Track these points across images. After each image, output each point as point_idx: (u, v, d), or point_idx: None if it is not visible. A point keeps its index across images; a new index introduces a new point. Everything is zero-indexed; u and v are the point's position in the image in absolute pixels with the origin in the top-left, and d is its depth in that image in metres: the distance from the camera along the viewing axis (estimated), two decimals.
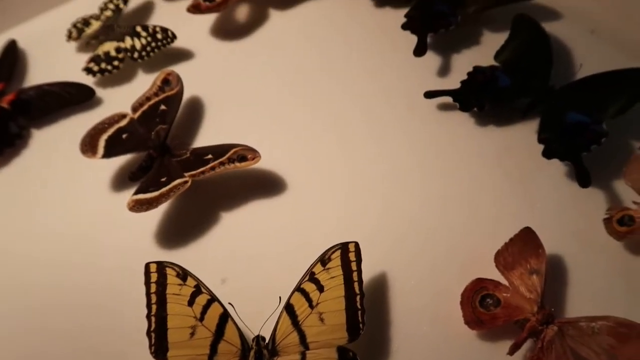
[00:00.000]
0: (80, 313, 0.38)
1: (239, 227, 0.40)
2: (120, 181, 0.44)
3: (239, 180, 0.42)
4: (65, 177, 0.45)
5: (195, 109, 0.47)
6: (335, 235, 0.36)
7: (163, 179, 0.39)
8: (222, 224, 0.40)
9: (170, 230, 0.41)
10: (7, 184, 0.45)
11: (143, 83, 0.49)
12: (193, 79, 0.47)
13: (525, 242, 0.35)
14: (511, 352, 0.32)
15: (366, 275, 0.34)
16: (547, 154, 0.38)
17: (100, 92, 0.49)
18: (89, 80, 0.49)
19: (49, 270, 0.40)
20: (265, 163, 0.40)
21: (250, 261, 0.39)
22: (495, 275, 0.35)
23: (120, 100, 0.48)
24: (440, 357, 0.34)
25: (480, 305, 0.34)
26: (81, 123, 0.47)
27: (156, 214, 0.41)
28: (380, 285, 0.36)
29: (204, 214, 0.41)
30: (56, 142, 0.47)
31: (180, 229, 0.41)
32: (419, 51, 0.45)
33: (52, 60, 0.52)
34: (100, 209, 0.43)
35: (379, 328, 0.35)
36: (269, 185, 0.42)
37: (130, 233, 0.41)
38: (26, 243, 0.42)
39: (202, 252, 0.40)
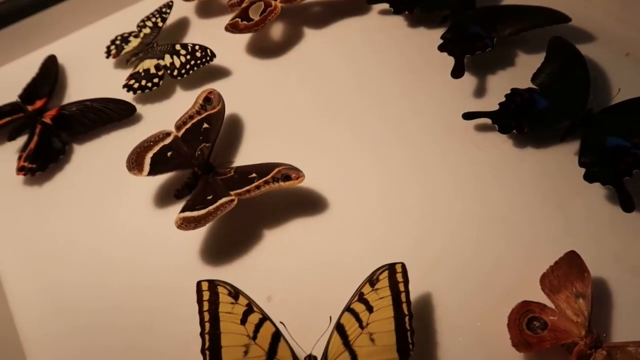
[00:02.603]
0: (128, 333, 0.39)
1: (282, 245, 0.41)
2: (161, 199, 0.45)
3: (281, 198, 0.43)
4: (107, 193, 0.46)
5: (234, 127, 0.48)
6: (377, 253, 0.37)
7: (209, 197, 0.40)
8: (265, 242, 0.41)
9: (213, 248, 0.41)
10: (50, 199, 0.46)
11: (182, 100, 0.50)
12: (231, 96, 0.48)
13: (570, 266, 0.35)
14: None
15: (411, 294, 0.35)
16: (589, 178, 0.38)
17: (139, 108, 0.50)
18: (128, 97, 0.50)
19: (92, 290, 0.41)
20: (307, 181, 0.41)
21: (294, 279, 0.39)
22: (541, 298, 0.35)
23: (159, 117, 0.49)
24: None
25: (528, 327, 0.34)
26: (122, 139, 0.48)
27: (199, 232, 0.42)
28: (425, 305, 0.37)
29: (247, 232, 0.42)
30: (98, 157, 0.48)
31: (224, 246, 0.41)
32: (457, 73, 0.46)
33: (92, 76, 0.54)
34: (141, 227, 0.44)
35: (426, 348, 0.35)
36: (310, 203, 0.42)
37: (173, 251, 0.42)
38: (68, 261, 0.43)
39: (247, 270, 0.40)
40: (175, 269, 0.41)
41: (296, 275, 0.39)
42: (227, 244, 0.41)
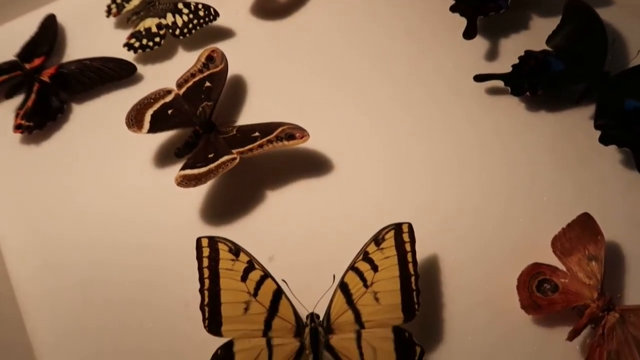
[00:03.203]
0: (126, 290, 0.38)
1: (285, 206, 0.40)
2: (162, 158, 0.43)
3: (284, 159, 0.42)
4: (107, 152, 0.44)
5: (238, 88, 0.47)
6: (382, 215, 0.36)
7: (210, 156, 0.39)
8: (268, 202, 0.40)
9: (214, 208, 0.40)
10: (47, 158, 0.45)
11: (184, 60, 0.48)
12: (234, 57, 0.46)
13: (583, 228, 0.34)
14: (570, 337, 0.31)
15: (417, 256, 0.34)
16: (605, 141, 0.37)
17: (140, 68, 0.48)
18: (129, 57, 0.48)
19: (90, 246, 0.40)
20: (310, 143, 0.40)
21: (296, 240, 0.38)
22: (552, 260, 0.34)
23: (160, 77, 0.48)
24: (495, 341, 0.33)
25: (538, 290, 0.33)
26: (122, 99, 0.47)
27: (200, 192, 0.41)
28: (431, 267, 0.36)
29: (249, 192, 0.41)
30: (97, 117, 0.47)
31: (225, 207, 0.40)
32: (469, 34, 0.44)
33: (92, 35, 0.52)
34: (141, 186, 0.42)
35: (432, 309, 0.34)
36: (314, 165, 0.41)
37: (174, 210, 0.41)
38: (65, 218, 0.42)
39: (248, 231, 0.39)
40: (175, 228, 0.39)
41: (299, 236, 0.38)
42: (228, 204, 0.40)
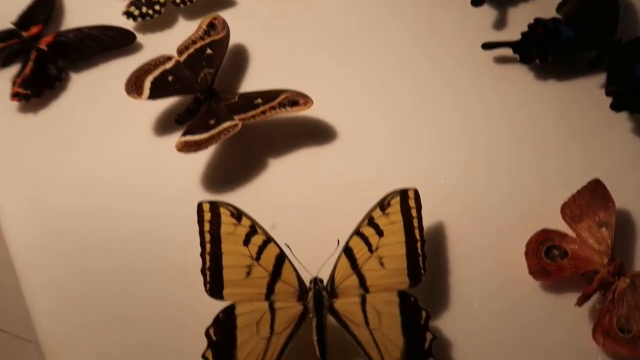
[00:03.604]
0: (125, 257, 0.37)
1: (288, 174, 0.39)
2: (162, 127, 0.42)
3: (287, 127, 0.41)
4: (106, 121, 0.43)
5: (239, 57, 0.46)
6: (387, 182, 0.35)
7: (212, 122, 0.38)
8: (270, 171, 0.39)
9: (215, 177, 0.40)
10: (45, 126, 0.44)
11: (184, 29, 0.47)
12: (235, 26, 0.45)
13: (593, 194, 0.33)
14: (580, 303, 0.31)
15: (423, 223, 0.33)
16: (616, 107, 0.36)
17: (140, 37, 0.47)
18: (129, 25, 0.47)
19: (89, 214, 0.39)
20: (314, 112, 0.39)
21: (300, 207, 0.37)
22: (561, 227, 0.33)
23: (160, 46, 0.46)
24: (502, 307, 0.33)
25: (546, 256, 0.32)
26: (121, 68, 0.45)
27: (201, 160, 0.40)
28: (438, 233, 0.35)
29: (251, 161, 0.40)
30: (96, 86, 0.46)
31: (227, 175, 0.40)
32: (477, 1, 0.43)
33: (90, 3, 0.50)
34: (141, 154, 0.41)
35: (439, 276, 0.34)
36: (318, 133, 0.40)
37: (174, 178, 0.40)
38: (64, 186, 0.41)
39: (250, 198, 0.38)
40: (176, 196, 0.39)
41: (302, 204, 0.38)
42: (229, 173, 0.40)
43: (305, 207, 0.37)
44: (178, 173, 0.40)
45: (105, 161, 0.41)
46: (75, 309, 0.36)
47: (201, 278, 0.32)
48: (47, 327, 0.35)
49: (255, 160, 0.40)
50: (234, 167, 0.40)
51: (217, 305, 0.32)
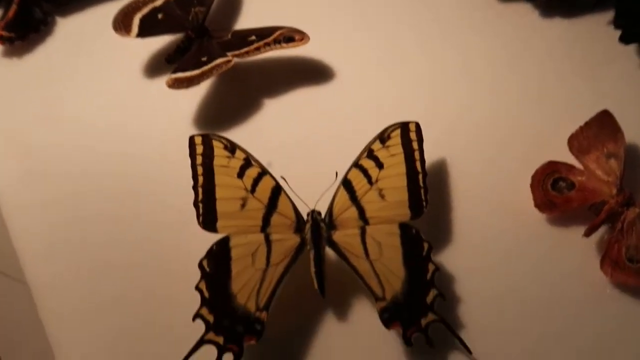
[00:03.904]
0: (116, 200, 0.36)
1: (284, 113, 0.37)
2: (152, 68, 0.40)
3: (282, 66, 0.39)
4: (93, 64, 0.41)
5: None
6: (387, 121, 0.33)
7: (204, 59, 0.36)
8: (265, 109, 0.38)
9: (208, 118, 0.38)
10: (32, 70, 0.42)
11: None
12: None
13: (601, 126, 0.32)
14: (587, 234, 0.30)
15: (426, 157, 0.31)
16: (626, 39, 0.35)
17: None
18: None
19: (79, 155, 0.38)
20: (309, 50, 0.37)
21: (297, 147, 0.36)
22: (568, 159, 0.32)
23: None
24: (506, 240, 0.31)
25: (553, 188, 0.31)
26: (108, 12, 0.43)
27: (193, 101, 0.39)
28: (440, 167, 0.34)
29: (245, 100, 0.38)
30: (82, 30, 0.43)
31: (220, 116, 0.38)
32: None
33: None
34: (132, 95, 0.40)
35: (441, 210, 0.32)
36: (315, 71, 0.39)
37: (165, 120, 0.38)
38: (52, 129, 0.39)
39: (244, 138, 0.35)
40: (168, 137, 0.37)
41: (299, 143, 0.36)
42: (223, 113, 0.38)
43: (303, 146, 0.36)
44: (169, 114, 0.38)
45: (94, 104, 0.40)
46: (64, 250, 0.35)
47: (195, 217, 0.31)
48: (34, 268, 0.34)
49: (249, 101, 0.38)
50: (227, 109, 0.38)
51: (211, 242, 0.31)
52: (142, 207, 0.36)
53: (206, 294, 0.28)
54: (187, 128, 0.38)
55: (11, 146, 0.38)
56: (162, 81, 0.38)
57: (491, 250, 0.32)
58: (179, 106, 0.38)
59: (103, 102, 0.39)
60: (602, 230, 0.30)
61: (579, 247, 0.31)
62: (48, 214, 0.36)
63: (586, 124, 0.32)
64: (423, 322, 0.28)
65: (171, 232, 0.34)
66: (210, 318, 0.28)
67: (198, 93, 0.39)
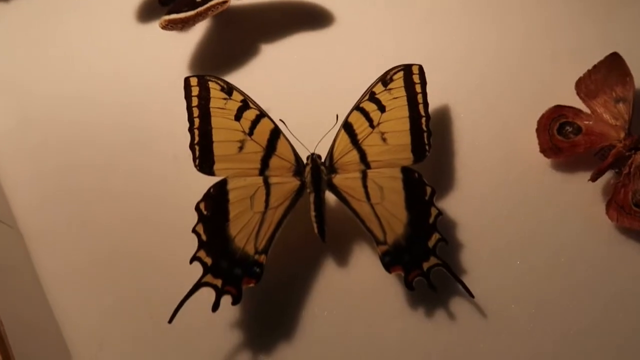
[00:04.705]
0: (110, 149, 0.35)
1: (283, 59, 0.36)
2: (146, 12, 0.39)
3: (279, 9, 0.37)
4: (86, 9, 0.39)
5: None
6: (389, 64, 0.32)
7: (198, 0, 0.35)
8: (263, 55, 0.36)
9: (204, 63, 0.36)
10: (23, 14, 0.39)
11: None
12: None
13: (610, 69, 0.31)
14: (593, 178, 0.29)
15: (429, 102, 0.30)
16: None
17: None
18: None
19: (72, 103, 0.36)
20: None
21: (296, 92, 0.35)
22: (574, 104, 0.31)
23: None
24: (510, 186, 0.31)
25: (559, 133, 0.30)
26: None
27: (188, 47, 0.37)
28: (443, 111, 0.33)
29: (242, 46, 0.37)
30: None
31: (216, 61, 0.37)
32: None
33: None
34: (125, 41, 0.38)
35: (443, 155, 0.32)
36: (313, 15, 0.37)
37: (160, 66, 0.37)
38: (44, 74, 0.37)
39: (241, 85, 0.34)
40: (162, 84, 0.36)
41: (298, 87, 0.35)
42: (219, 59, 0.36)
43: (302, 91, 0.35)
44: (165, 60, 0.37)
45: (86, 49, 0.38)
46: (57, 198, 0.34)
47: (191, 163, 0.30)
48: (27, 216, 0.33)
49: (246, 46, 0.37)
50: (223, 54, 0.37)
51: (208, 186, 0.30)
52: (135, 154, 0.34)
53: (203, 237, 0.28)
54: (182, 73, 0.36)
55: (2, 93, 0.37)
56: (155, 25, 0.36)
57: (495, 195, 0.31)
58: (173, 51, 0.37)
59: (96, 48, 0.38)
60: (607, 175, 0.30)
61: (583, 192, 0.30)
62: (40, 162, 0.34)
63: (594, 67, 0.31)
64: (425, 265, 0.28)
65: (166, 177, 0.33)
66: (208, 261, 0.27)
67: (193, 38, 0.38)
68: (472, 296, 0.28)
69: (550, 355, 0.28)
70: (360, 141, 0.29)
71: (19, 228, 0.32)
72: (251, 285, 0.28)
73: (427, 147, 0.29)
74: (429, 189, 0.28)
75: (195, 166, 0.29)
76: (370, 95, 0.30)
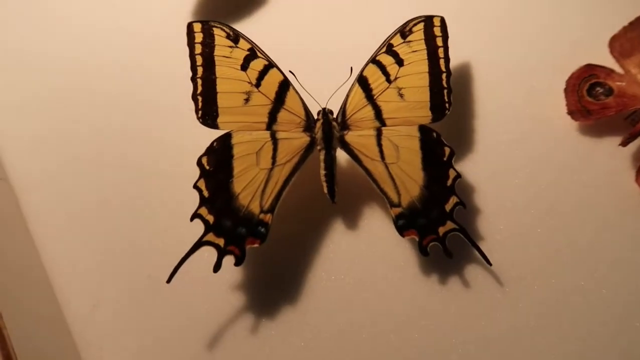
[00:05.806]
0: (106, 95, 0.33)
1: (292, 7, 0.34)
2: None
3: None
4: None
5: None
6: (409, 14, 0.29)
7: None
8: (272, 3, 0.34)
9: (208, 13, 0.34)
10: None
11: None
12: None
13: None
14: (624, 143, 0.27)
15: (450, 56, 0.28)
16: None
17: None
18: None
19: (65, 55, 0.34)
20: None
21: (306, 43, 0.32)
22: (607, 62, 0.29)
23: None
24: (534, 149, 0.29)
25: (588, 94, 0.29)
26: None
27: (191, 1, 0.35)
28: (466, 66, 0.31)
29: None
30: None
31: (222, 10, 0.34)
32: None
33: None
34: None
35: (464, 115, 0.30)
36: None
37: (161, 14, 0.34)
38: (39, 31, 0.35)
39: (247, 32, 0.33)
40: (162, 32, 0.33)
41: (310, 37, 0.33)
42: (223, 12, 0.34)
43: (314, 41, 0.33)
44: (164, 8, 0.34)
45: (87, 6, 0.36)
46: (48, 148, 0.32)
47: (194, 115, 0.27)
48: (17, 165, 0.31)
49: None
50: (227, 8, 0.35)
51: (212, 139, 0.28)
52: (135, 102, 0.32)
53: (205, 193, 0.26)
54: (184, 22, 0.34)
55: (6, 57, 0.34)
56: None
57: (517, 158, 0.29)
58: (177, 5, 0.34)
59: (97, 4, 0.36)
60: (639, 140, 0.28)
61: (612, 158, 0.28)
62: (31, 112, 0.32)
63: (631, 23, 0.29)
64: (441, 230, 0.26)
65: (167, 129, 0.31)
66: (210, 218, 0.26)
67: None
68: (490, 264, 0.27)
69: (568, 326, 0.27)
70: (375, 96, 0.27)
71: (8, 177, 0.31)
72: (255, 245, 0.26)
73: (447, 105, 0.27)
74: (447, 150, 0.27)
75: (198, 118, 0.27)
76: (388, 48, 0.28)
